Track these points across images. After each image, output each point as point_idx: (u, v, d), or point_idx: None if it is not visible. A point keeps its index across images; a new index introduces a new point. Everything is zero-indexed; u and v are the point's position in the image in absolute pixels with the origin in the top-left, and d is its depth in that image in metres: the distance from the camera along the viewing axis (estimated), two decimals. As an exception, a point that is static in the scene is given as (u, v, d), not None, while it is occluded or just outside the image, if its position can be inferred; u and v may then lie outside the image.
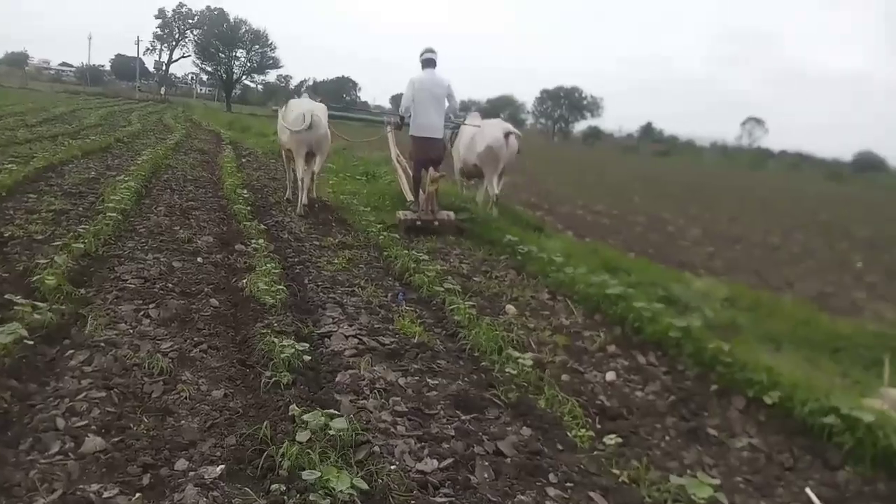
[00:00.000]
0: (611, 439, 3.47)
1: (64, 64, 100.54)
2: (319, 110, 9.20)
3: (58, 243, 5.86)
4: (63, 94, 53.29)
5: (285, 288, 5.15)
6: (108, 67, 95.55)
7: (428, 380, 3.98)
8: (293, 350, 3.83)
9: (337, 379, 3.85)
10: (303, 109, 8.96)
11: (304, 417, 3.04)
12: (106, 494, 2.57)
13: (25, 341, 3.66)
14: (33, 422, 3.07)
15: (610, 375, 4.42)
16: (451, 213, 8.78)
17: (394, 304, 5.42)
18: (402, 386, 3.87)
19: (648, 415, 3.93)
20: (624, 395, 4.16)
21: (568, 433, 3.54)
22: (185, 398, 3.45)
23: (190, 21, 70.97)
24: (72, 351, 3.85)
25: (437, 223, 8.53)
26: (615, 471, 3.24)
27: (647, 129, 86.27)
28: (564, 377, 4.29)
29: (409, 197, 9.26)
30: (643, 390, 4.29)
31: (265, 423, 3.05)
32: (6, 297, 4.33)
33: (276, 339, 3.98)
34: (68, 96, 48.41)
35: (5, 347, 3.55)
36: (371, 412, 3.48)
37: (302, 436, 2.95)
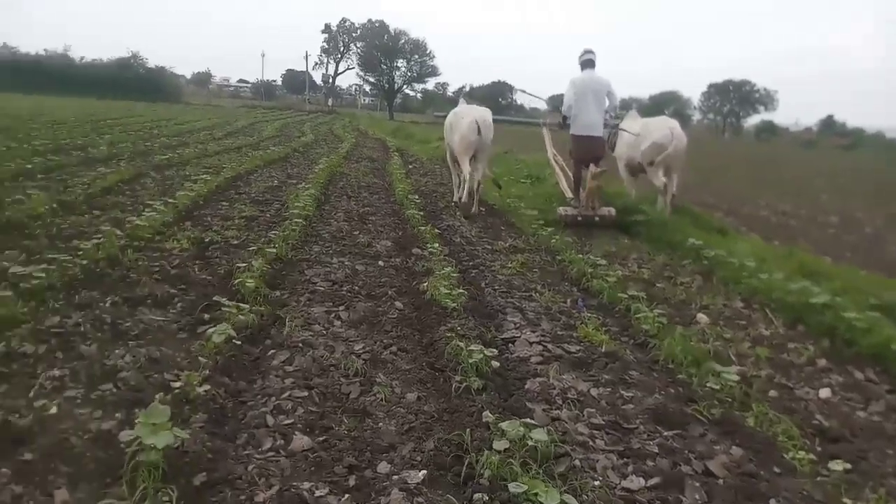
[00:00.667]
0: (836, 464, 3.11)
1: (241, 81, 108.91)
2: (488, 115, 9.54)
3: (252, 248, 6.26)
4: (242, 108, 57.72)
5: (464, 292, 5.13)
6: (279, 82, 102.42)
7: (622, 391, 3.80)
8: (481, 355, 3.79)
9: (526, 386, 3.76)
10: (474, 116, 9.26)
11: (502, 426, 2.97)
12: (317, 493, 2.63)
13: (234, 341, 3.90)
14: (246, 418, 3.23)
15: (824, 392, 3.99)
16: (612, 209, 8.81)
17: (574, 310, 5.26)
18: (595, 397, 3.71)
19: (876, 438, 3.50)
20: (844, 415, 3.73)
21: (784, 455, 3.22)
22: (381, 400, 3.49)
23: (353, 34, 74.55)
24: (273, 351, 4.05)
25: (597, 219, 8.66)
26: (846, 500, 2.89)
27: (828, 122, 79.49)
28: (772, 393, 3.93)
29: (569, 194, 9.44)
30: (865, 410, 3.83)
31: (467, 431, 3.00)
32: (214, 298, 4.65)
33: (461, 344, 3.96)
34: (246, 110, 52.34)
35: (217, 347, 3.80)
36: (566, 423, 3.35)
37: (499, 444, 2.88)
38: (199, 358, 3.62)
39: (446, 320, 4.58)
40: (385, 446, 3.06)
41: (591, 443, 3.18)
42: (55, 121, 21.20)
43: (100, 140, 15.80)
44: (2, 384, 3.38)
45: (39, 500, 2.51)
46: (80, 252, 5.57)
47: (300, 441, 3.01)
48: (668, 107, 66.05)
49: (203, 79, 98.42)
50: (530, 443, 2.88)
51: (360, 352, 4.10)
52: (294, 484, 2.67)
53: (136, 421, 2.67)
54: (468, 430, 3.07)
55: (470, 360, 3.75)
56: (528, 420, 3.06)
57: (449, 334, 4.23)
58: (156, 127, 22.81)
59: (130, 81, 57.74)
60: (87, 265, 5.32)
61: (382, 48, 69.60)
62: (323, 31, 75.51)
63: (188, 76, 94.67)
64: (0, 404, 3.17)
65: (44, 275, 4.81)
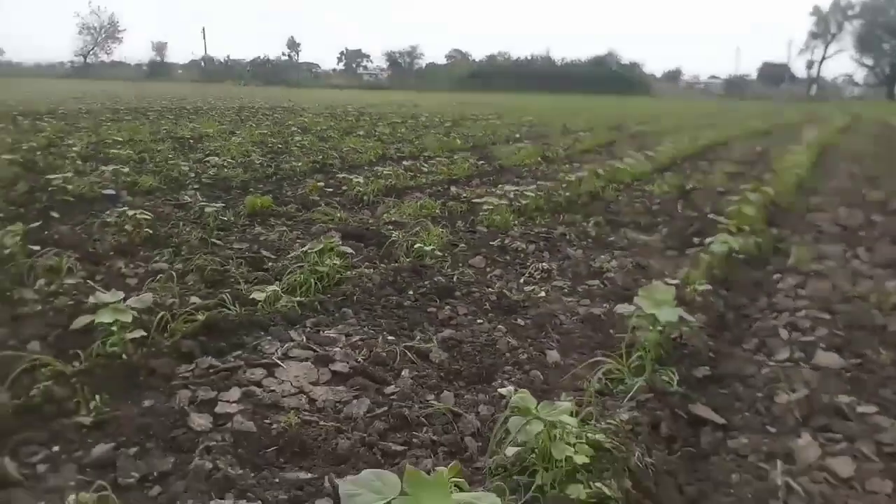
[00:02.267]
0: None
1: (712, 77, 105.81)
2: None
3: (737, 197, 5.62)
4: (714, 101, 55.90)
5: None
6: (753, 77, 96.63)
7: None
8: None
9: None
10: None
11: None
12: (860, 409, 1.97)
13: (734, 254, 3.39)
14: (752, 328, 2.70)
15: None
16: None
17: None
18: None
19: None
20: None
21: None
22: (937, 341, 2.59)
23: (849, 13, 65.88)
24: (779, 275, 3.42)
25: None
26: None
27: None
28: None
29: None
30: None
31: None
32: (710, 216, 4.23)
33: None
34: (717, 103, 50.49)
35: (715, 258, 3.33)
36: None
37: None
38: (702, 255, 3.23)
39: None
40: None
41: None
42: (540, 110, 23.22)
43: (577, 120, 16.69)
44: (498, 268, 3.46)
45: (533, 354, 2.38)
46: (564, 185, 5.67)
47: (828, 357, 2.35)
48: None
49: (673, 76, 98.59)
50: None
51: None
52: (825, 394, 2.05)
53: (636, 297, 2.35)
54: None
55: None
56: None
57: None
58: (628, 113, 23.29)
59: (603, 78, 60.42)
60: (569, 196, 5.37)
61: (886, 25, 59.93)
62: (812, 14, 68.50)
63: (658, 75, 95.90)
64: (497, 282, 3.23)
65: (532, 194, 4.98)
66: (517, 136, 11.80)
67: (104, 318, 2.11)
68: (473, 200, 4.76)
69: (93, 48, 70.06)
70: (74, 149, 6.85)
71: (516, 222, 4.45)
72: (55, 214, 4.25)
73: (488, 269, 3.45)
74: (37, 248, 3.13)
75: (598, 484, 1.51)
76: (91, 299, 2.21)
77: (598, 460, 1.58)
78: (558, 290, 3.17)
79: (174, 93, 29.04)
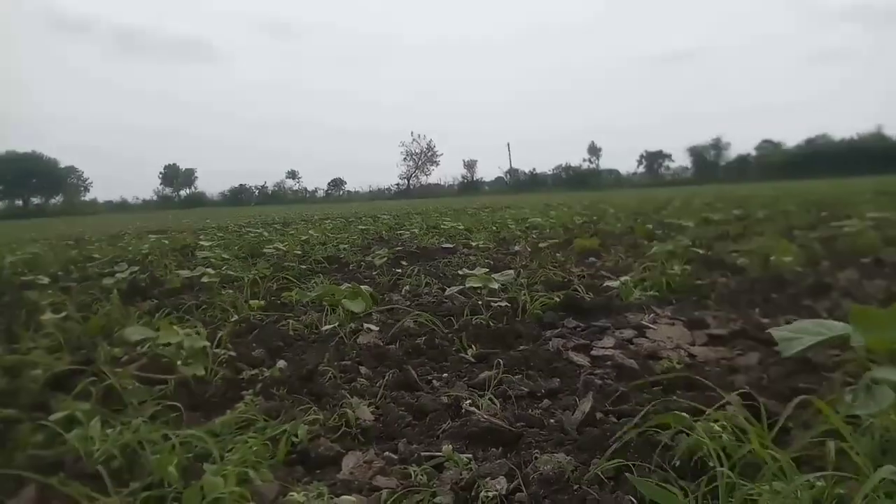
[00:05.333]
0: None
1: None
2: None
3: None
4: None
5: None
6: None
7: None
8: None
9: None
10: None
11: None
12: None
13: None
14: None
15: None
16: None
17: None
18: None
19: None
20: None
21: None
22: None
23: None
24: None
25: None
26: None
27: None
28: None
29: None
30: None
31: None
32: None
33: None
34: None
35: None
36: None
37: None
38: None
39: None
40: None
41: None
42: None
43: None
44: (879, 279, 2.98)
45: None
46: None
47: None
48: None
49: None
50: None
51: None
52: None
53: None
54: None
55: None
56: None
57: None
58: None
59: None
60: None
61: None
62: None
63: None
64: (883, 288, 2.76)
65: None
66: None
67: (473, 283, 2.19)
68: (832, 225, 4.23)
69: (414, 171, 79.01)
70: (413, 228, 7.65)
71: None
72: (404, 263, 4.71)
73: (865, 281, 2.98)
74: (398, 270, 3.46)
75: None
76: (460, 272, 2.32)
77: None
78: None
79: (484, 201, 31.43)
